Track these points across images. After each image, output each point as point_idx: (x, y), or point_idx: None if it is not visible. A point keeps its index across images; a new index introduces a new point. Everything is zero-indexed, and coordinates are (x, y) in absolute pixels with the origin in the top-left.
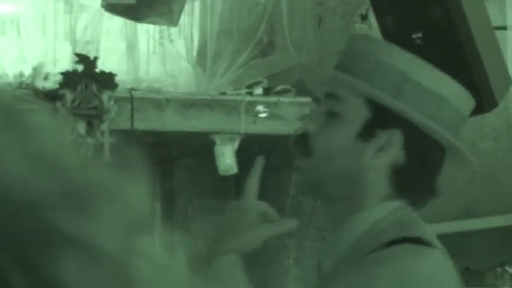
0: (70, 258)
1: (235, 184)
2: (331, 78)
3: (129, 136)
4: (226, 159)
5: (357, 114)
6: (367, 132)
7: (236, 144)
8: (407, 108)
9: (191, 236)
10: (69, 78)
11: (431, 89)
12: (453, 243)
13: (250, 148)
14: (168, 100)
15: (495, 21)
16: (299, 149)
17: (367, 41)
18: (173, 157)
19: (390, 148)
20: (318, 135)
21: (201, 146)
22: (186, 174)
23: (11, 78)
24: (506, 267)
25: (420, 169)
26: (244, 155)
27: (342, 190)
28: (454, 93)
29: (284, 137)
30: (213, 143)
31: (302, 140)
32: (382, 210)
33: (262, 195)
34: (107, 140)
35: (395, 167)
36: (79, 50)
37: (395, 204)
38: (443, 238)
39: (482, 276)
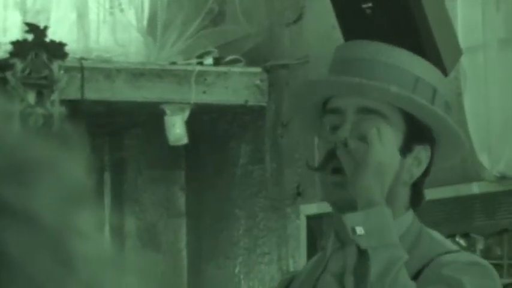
0: (10, 228)
1: (186, 154)
2: (370, 90)
3: (79, 106)
4: (177, 129)
5: (399, 130)
6: (405, 147)
7: (186, 114)
8: (444, 116)
9: (140, 206)
10: (19, 48)
11: (442, 95)
12: None
13: (200, 118)
14: (118, 70)
15: None
16: (336, 165)
17: (387, 50)
18: (123, 127)
19: (423, 163)
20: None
21: (151, 116)
22: (136, 145)
23: None
24: (457, 239)
25: (426, 179)
26: (194, 125)
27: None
28: (443, 82)
29: (234, 107)
30: (163, 113)
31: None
32: (407, 220)
33: (213, 165)
34: (57, 110)
35: (416, 180)
36: (29, 19)
37: (411, 213)
38: None
39: None
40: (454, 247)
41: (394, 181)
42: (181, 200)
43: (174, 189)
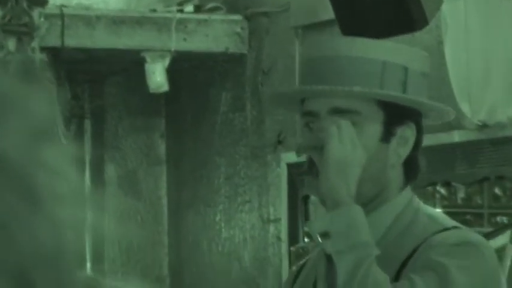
0: None
1: (166, 102)
2: (331, 92)
3: (59, 53)
4: (157, 77)
5: (376, 120)
6: (387, 134)
7: (167, 62)
8: (417, 98)
9: (121, 154)
10: None
11: (416, 70)
12: None
13: (180, 66)
14: (98, 17)
15: None
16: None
17: (343, 44)
18: (103, 75)
19: (409, 141)
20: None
21: (132, 64)
22: (116, 92)
23: None
24: (437, 187)
25: (418, 153)
26: (174, 73)
27: (368, 189)
28: (416, 56)
29: (215, 55)
30: (144, 60)
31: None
32: (403, 200)
33: (193, 113)
34: (38, 57)
35: (406, 157)
36: None
37: (409, 192)
38: None
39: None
40: (451, 223)
41: (381, 167)
42: (161, 147)
43: (154, 136)
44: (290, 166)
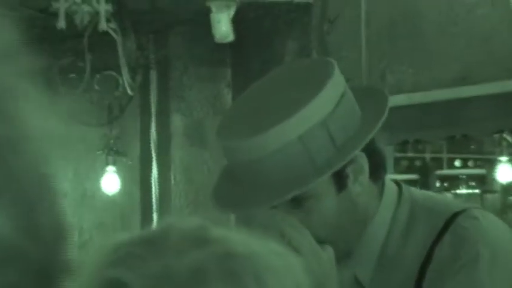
0: None
1: (232, 52)
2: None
3: (124, 4)
4: (222, 26)
5: (326, 185)
6: (341, 183)
7: (232, 12)
8: (354, 148)
9: (187, 104)
10: None
11: (328, 119)
12: (450, 111)
13: (246, 15)
14: None
15: None
16: None
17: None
18: (168, 25)
19: (364, 165)
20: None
21: (197, 14)
22: (181, 42)
23: None
24: (504, 135)
25: (378, 155)
26: (240, 22)
27: (354, 236)
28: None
29: (280, 4)
30: (209, 10)
31: None
32: (386, 210)
33: (259, 62)
34: (103, 8)
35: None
36: None
37: (391, 193)
38: (440, 105)
39: (480, 143)
40: (456, 204)
41: (352, 210)
42: (227, 97)
43: (220, 86)
44: None
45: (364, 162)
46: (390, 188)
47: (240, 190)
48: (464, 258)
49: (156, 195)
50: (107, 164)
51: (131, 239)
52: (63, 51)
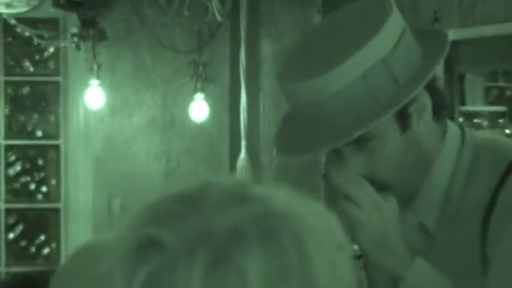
0: None
1: None
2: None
3: None
4: None
5: (390, 123)
6: (404, 123)
7: None
8: (417, 85)
9: (277, 30)
10: None
11: (387, 58)
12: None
13: None
14: None
15: None
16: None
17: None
18: None
19: (427, 104)
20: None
21: None
22: None
23: None
24: None
25: (440, 94)
26: None
27: (418, 179)
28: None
29: None
30: None
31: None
32: (449, 153)
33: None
34: None
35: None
36: None
37: (454, 136)
38: (496, 40)
39: None
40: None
41: (416, 151)
42: (317, 22)
43: (310, 11)
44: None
45: (427, 101)
46: (453, 130)
47: (302, 134)
48: None
49: (244, 122)
50: (196, 91)
51: (171, 195)
52: None
